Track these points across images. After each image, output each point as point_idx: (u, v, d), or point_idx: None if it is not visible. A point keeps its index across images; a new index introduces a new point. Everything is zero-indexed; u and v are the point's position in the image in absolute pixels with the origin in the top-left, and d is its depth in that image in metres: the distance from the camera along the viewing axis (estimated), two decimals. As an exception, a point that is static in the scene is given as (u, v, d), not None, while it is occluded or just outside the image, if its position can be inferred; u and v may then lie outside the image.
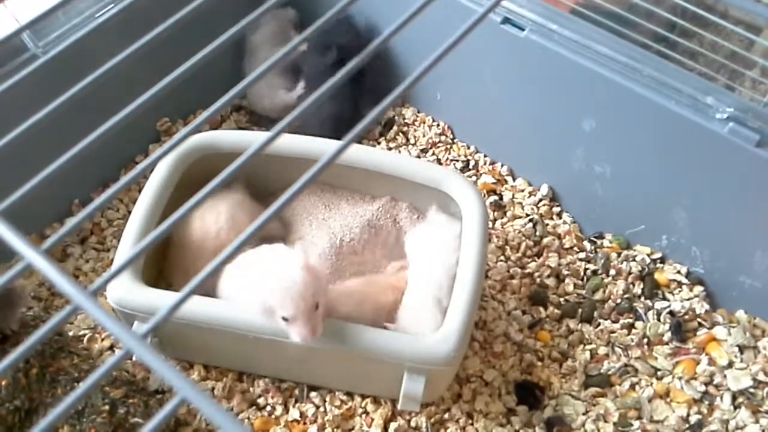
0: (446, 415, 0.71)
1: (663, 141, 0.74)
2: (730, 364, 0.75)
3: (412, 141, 0.94)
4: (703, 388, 0.73)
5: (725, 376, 0.74)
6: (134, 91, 0.27)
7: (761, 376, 0.73)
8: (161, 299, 0.63)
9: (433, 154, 0.92)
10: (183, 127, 0.92)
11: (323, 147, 0.73)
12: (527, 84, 0.82)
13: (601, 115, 0.77)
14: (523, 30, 0.78)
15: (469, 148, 0.93)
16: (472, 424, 0.71)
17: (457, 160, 0.91)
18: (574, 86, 0.77)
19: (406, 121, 0.95)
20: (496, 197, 0.88)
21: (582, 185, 0.84)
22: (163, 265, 0.75)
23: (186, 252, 0.72)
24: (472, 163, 0.91)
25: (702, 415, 0.71)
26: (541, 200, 0.87)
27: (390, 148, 0.92)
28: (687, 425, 0.71)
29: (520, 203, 0.88)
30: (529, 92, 0.82)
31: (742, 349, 0.76)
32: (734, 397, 0.73)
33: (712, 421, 0.71)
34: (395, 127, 0.94)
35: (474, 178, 0.90)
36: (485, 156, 0.92)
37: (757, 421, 0.71)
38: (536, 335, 0.77)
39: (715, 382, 0.74)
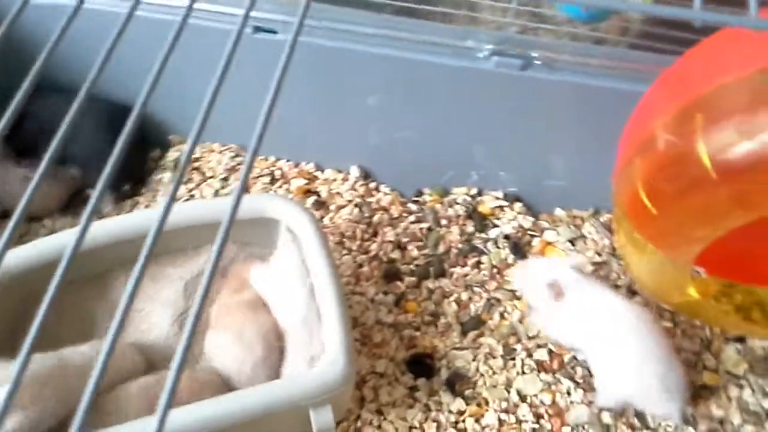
0: (359, 423, 0.72)
1: (444, 93, 0.78)
2: (566, 256, 0.83)
3: (209, 174, 0.90)
4: (557, 290, 0.81)
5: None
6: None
7: (596, 258, 0.82)
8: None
9: (236, 179, 0.89)
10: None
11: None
12: (300, 82, 0.81)
13: (381, 89, 0.80)
14: (275, 33, 0.77)
15: (267, 159, 0.91)
16: (385, 419, 0.72)
17: (263, 175, 0.89)
18: (345, 70, 0.78)
19: (194, 156, 0.91)
20: (314, 196, 0.87)
21: (386, 156, 0.87)
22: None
23: None
24: (277, 172, 0.90)
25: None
26: (355, 182, 0.89)
27: (190, 190, 0.88)
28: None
29: (338, 193, 0.88)
30: (305, 89, 0.82)
31: (573, 241, 0.84)
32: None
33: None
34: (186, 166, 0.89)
35: (285, 186, 0.89)
36: (287, 161, 0.91)
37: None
38: (404, 309, 0.80)
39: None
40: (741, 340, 0.77)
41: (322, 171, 0.91)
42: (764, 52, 0.52)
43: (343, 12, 0.76)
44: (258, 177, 0.89)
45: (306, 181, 0.89)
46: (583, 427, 0.71)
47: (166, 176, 0.89)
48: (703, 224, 0.57)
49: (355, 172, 0.89)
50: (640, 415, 0.71)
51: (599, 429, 0.71)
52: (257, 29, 0.77)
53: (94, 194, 0.25)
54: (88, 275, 0.72)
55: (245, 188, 0.27)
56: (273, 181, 0.89)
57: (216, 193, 0.87)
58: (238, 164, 0.90)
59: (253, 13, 0.75)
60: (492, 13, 0.91)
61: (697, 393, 0.74)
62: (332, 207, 0.87)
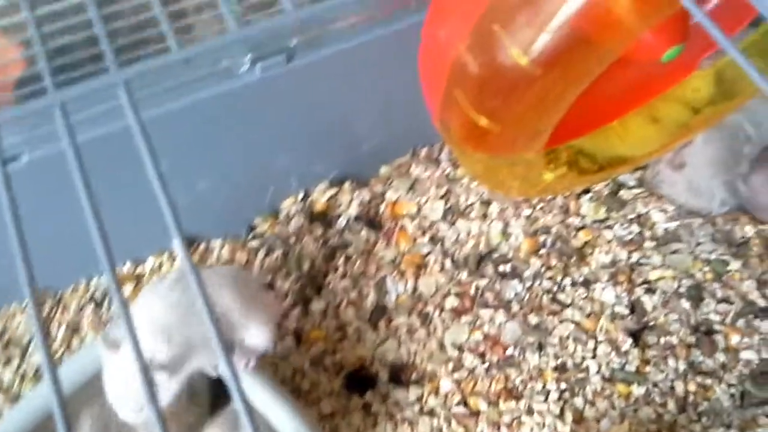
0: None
1: (225, 122, 0.73)
2: (419, 211, 0.83)
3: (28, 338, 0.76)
4: (426, 241, 0.81)
5: (422, 215, 0.83)
6: None
7: (442, 190, 0.84)
8: None
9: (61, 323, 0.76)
10: None
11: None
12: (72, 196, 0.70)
13: (168, 152, 0.71)
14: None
15: (78, 289, 0.79)
16: (363, 451, 0.69)
17: (86, 304, 0.77)
18: (119, 153, 0.69)
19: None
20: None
21: (200, 211, 0.79)
22: None
23: None
24: (98, 295, 0.78)
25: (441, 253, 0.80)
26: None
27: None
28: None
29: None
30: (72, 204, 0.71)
31: (412, 188, 0.84)
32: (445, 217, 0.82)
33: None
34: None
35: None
36: (100, 277, 0.79)
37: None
38: (311, 341, 0.75)
39: (430, 232, 0.82)
40: (586, 191, 0.84)
41: (143, 263, 0.80)
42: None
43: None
44: (82, 308, 0.77)
45: (134, 283, 0.78)
46: (521, 338, 0.74)
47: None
48: (543, 116, 0.59)
49: (178, 245, 0.80)
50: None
51: (532, 330, 0.74)
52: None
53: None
54: None
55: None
56: (98, 305, 0.78)
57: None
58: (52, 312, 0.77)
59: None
60: (210, 27, 0.85)
61: (582, 254, 0.80)
62: (177, 291, 0.78)
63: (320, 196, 0.84)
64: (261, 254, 0.80)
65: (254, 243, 0.81)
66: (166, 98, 0.69)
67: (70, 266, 0.77)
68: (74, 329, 0.77)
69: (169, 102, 0.69)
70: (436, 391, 0.72)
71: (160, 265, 0.80)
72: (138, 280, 0.79)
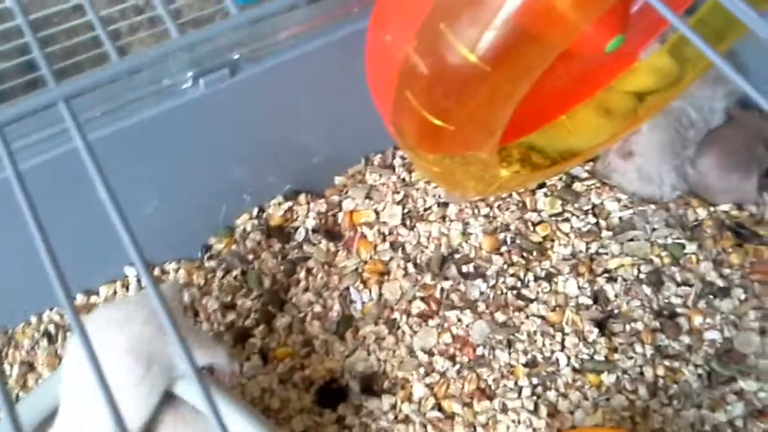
0: (322, 488, 0.66)
1: (170, 140, 0.71)
2: (377, 218, 0.83)
3: None
4: (387, 248, 0.80)
5: (381, 222, 0.82)
6: None
7: (398, 195, 0.83)
8: None
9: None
10: None
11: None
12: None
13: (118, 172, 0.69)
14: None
15: (30, 326, 0.75)
16: (340, 466, 0.67)
17: (37, 342, 0.74)
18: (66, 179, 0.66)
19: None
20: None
21: (151, 236, 0.76)
22: None
23: None
24: (51, 327, 0.75)
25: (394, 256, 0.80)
26: (138, 281, 0.78)
27: None
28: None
29: (131, 301, 0.77)
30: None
31: (368, 196, 0.83)
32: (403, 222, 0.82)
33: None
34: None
35: (64, 339, 0.74)
36: (51, 309, 0.76)
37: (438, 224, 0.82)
38: (277, 359, 0.74)
39: (391, 238, 0.81)
40: (541, 186, 0.84)
41: (97, 294, 0.78)
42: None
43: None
44: (36, 344, 0.74)
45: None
46: (489, 337, 0.74)
47: None
48: (495, 112, 0.59)
49: (131, 272, 0.78)
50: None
51: (500, 328, 0.74)
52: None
53: None
54: None
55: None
56: (51, 340, 0.74)
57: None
58: (4, 351, 0.74)
59: None
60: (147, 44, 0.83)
61: (542, 249, 0.80)
62: (134, 319, 0.76)
63: (276, 211, 0.82)
64: (219, 274, 0.78)
65: (211, 263, 0.79)
66: (107, 120, 0.67)
67: (20, 302, 0.74)
68: (29, 366, 0.73)
69: (111, 124, 0.67)
70: (410, 398, 0.71)
71: (114, 293, 0.77)
72: (91, 310, 0.76)
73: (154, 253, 0.78)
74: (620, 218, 0.82)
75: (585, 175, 0.85)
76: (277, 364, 0.73)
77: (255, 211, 0.82)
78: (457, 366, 0.72)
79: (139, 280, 0.78)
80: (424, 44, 0.56)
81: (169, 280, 0.77)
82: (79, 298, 0.77)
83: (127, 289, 0.78)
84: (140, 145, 0.69)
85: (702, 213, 0.82)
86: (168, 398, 0.56)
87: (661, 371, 0.71)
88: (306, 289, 0.78)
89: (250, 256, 0.79)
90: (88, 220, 0.62)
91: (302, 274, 0.78)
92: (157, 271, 0.78)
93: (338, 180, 0.85)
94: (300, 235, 0.81)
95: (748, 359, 0.72)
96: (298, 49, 0.71)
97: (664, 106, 0.79)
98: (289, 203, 0.83)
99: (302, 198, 0.83)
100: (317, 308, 0.76)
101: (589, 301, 0.76)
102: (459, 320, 0.75)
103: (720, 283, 0.76)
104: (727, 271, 0.77)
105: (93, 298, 0.77)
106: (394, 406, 0.71)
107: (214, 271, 0.78)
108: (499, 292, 0.76)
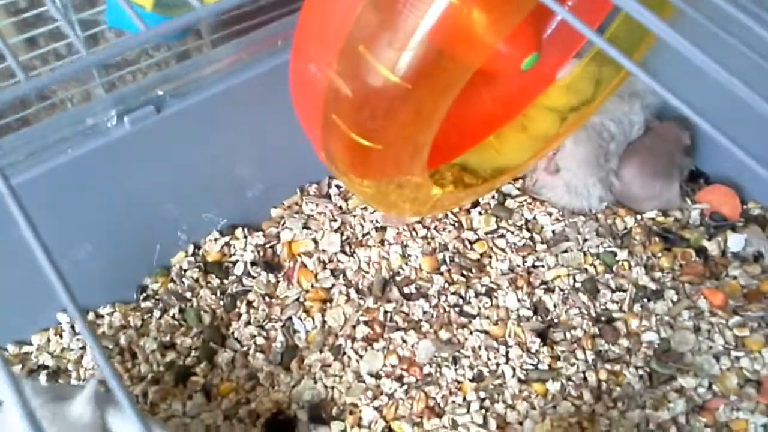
0: None
1: (99, 181, 0.70)
2: (316, 246, 0.83)
3: None
4: (328, 275, 0.80)
5: (320, 250, 0.82)
6: None
7: (335, 223, 0.83)
8: None
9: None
10: None
11: None
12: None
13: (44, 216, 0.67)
14: None
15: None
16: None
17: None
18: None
19: None
20: (43, 371, 0.72)
21: (83, 281, 0.75)
22: None
23: None
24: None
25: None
26: (73, 326, 0.75)
27: None
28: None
29: (65, 349, 0.74)
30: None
31: (305, 225, 0.83)
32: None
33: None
34: None
35: None
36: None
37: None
38: (221, 396, 0.72)
39: (331, 266, 0.82)
40: (475, 205, 0.86)
41: (30, 343, 0.75)
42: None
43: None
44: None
45: (21, 365, 0.72)
46: (435, 355, 0.74)
47: None
48: (420, 130, 0.61)
49: (63, 318, 0.75)
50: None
51: (445, 346, 0.74)
52: None
53: None
54: None
55: None
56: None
57: None
58: None
59: None
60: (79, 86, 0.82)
61: (480, 265, 0.81)
62: (70, 367, 0.73)
63: (212, 246, 0.81)
64: (156, 314, 0.76)
65: (148, 303, 0.77)
66: (31, 163, 0.66)
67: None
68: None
69: (36, 166, 0.66)
70: (359, 423, 0.70)
71: (48, 341, 0.75)
72: (24, 360, 0.73)
73: (88, 297, 0.76)
74: (553, 231, 0.84)
75: (516, 192, 0.88)
76: (221, 401, 0.71)
77: (191, 249, 0.81)
78: (405, 386, 0.72)
79: (72, 327, 0.75)
80: (346, 68, 0.57)
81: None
82: (11, 349, 0.74)
83: (61, 336, 0.75)
84: (67, 186, 0.68)
85: (630, 221, 0.85)
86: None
87: (603, 375, 0.73)
88: (248, 323, 0.77)
89: (188, 294, 0.78)
90: (16, 267, 0.60)
91: (243, 308, 0.77)
92: (91, 316, 0.76)
93: (274, 212, 0.85)
94: (239, 269, 0.80)
95: (686, 357, 0.74)
96: (224, 83, 0.72)
97: (582, 123, 0.83)
98: (226, 238, 0.82)
99: (239, 232, 0.82)
100: (260, 340, 0.75)
101: (530, 313, 0.77)
102: (404, 341, 0.75)
103: (652, 286, 0.79)
104: (658, 274, 0.80)
105: (25, 348, 0.74)
106: (344, 433, 0.70)
107: (151, 312, 0.77)
108: (441, 311, 0.77)
